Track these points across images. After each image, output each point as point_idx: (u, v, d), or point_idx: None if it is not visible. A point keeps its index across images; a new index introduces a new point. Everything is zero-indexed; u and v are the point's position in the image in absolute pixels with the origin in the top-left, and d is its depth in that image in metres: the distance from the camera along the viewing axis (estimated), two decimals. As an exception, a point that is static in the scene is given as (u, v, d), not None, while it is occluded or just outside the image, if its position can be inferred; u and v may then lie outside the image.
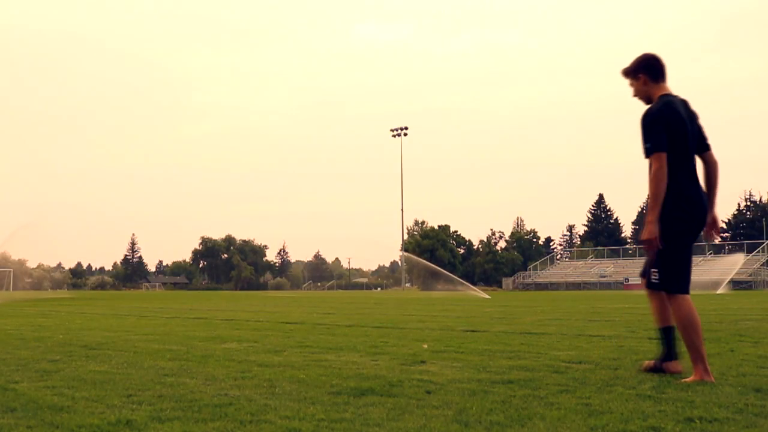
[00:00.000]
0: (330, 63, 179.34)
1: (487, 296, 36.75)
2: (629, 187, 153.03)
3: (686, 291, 5.05)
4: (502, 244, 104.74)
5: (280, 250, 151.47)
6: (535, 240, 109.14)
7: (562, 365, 5.99)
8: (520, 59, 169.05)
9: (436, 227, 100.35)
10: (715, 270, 62.54)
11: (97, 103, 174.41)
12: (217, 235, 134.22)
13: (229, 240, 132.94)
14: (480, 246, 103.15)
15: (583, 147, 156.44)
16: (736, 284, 53.86)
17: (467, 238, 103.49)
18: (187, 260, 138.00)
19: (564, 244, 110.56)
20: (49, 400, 4.41)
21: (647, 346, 7.58)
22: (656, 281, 5.11)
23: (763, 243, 67.61)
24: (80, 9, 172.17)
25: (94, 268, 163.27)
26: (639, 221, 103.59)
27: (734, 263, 60.30)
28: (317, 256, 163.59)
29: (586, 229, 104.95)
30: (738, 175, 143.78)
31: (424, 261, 69.71)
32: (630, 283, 67.18)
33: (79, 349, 7.61)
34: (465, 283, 52.50)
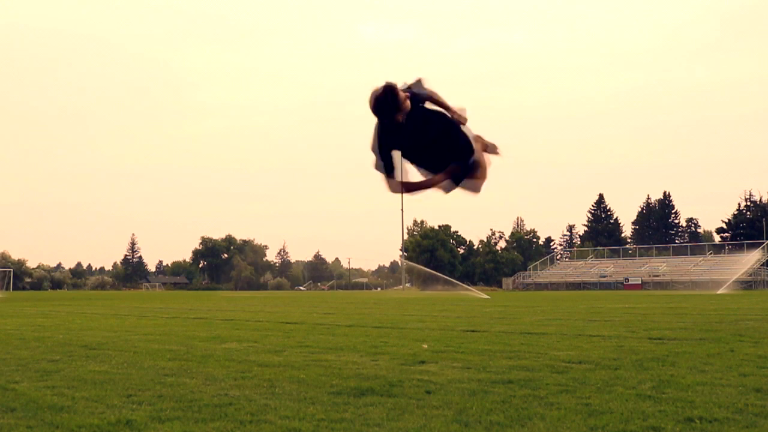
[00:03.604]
0: (331, 63, 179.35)
1: (487, 296, 36.72)
2: (629, 187, 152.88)
3: None
4: (502, 244, 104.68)
5: (280, 250, 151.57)
6: (535, 240, 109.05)
7: (562, 365, 5.99)
8: (521, 59, 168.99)
9: (436, 227, 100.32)
10: (717, 270, 62.53)
11: (97, 103, 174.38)
12: (217, 235, 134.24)
13: (229, 240, 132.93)
14: (480, 246, 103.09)
15: (583, 147, 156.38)
16: (736, 284, 53.72)
17: (467, 238, 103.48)
18: (187, 260, 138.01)
19: (564, 244, 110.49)
20: (49, 400, 4.41)
21: (647, 346, 7.59)
22: None
23: (763, 243, 67.53)
24: (80, 7, 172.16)
25: (94, 268, 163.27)
26: (639, 221, 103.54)
27: (745, 262, 60.11)
28: (317, 256, 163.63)
29: (586, 229, 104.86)
30: (738, 175, 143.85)
31: (423, 267, 69.77)
32: (630, 283, 67.18)
33: (79, 349, 7.62)
34: (464, 285, 52.53)
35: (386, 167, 4.97)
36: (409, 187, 5.04)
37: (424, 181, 5.05)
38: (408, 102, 4.76)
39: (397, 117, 4.73)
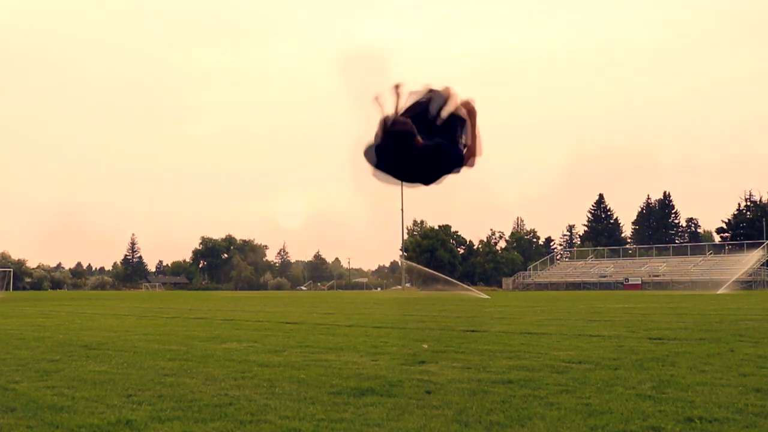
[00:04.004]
0: (331, 62, 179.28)
1: (486, 296, 36.71)
2: (629, 187, 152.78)
3: None
4: (502, 244, 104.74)
5: (280, 250, 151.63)
6: (535, 240, 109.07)
7: (562, 365, 5.99)
8: (521, 59, 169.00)
9: (436, 227, 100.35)
10: (717, 270, 62.53)
11: (97, 103, 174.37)
12: (217, 235, 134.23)
13: (229, 240, 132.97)
14: (480, 246, 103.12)
15: (583, 147, 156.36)
16: (736, 284, 53.71)
17: (467, 238, 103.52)
18: (187, 260, 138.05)
19: (564, 244, 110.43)
20: (49, 400, 4.41)
21: (647, 346, 7.59)
22: None
23: (763, 243, 67.49)
24: (79, 6, 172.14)
25: (94, 268, 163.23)
26: (639, 221, 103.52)
27: (745, 262, 60.07)
28: (317, 256, 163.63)
29: (586, 229, 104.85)
30: (738, 175, 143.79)
31: (424, 267, 69.79)
32: (630, 283, 67.16)
33: (79, 349, 7.62)
34: (464, 285, 52.56)
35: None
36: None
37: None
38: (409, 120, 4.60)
39: (418, 140, 4.56)
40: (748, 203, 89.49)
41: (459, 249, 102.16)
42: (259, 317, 15.02)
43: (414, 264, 75.83)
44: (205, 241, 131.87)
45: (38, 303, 27.79)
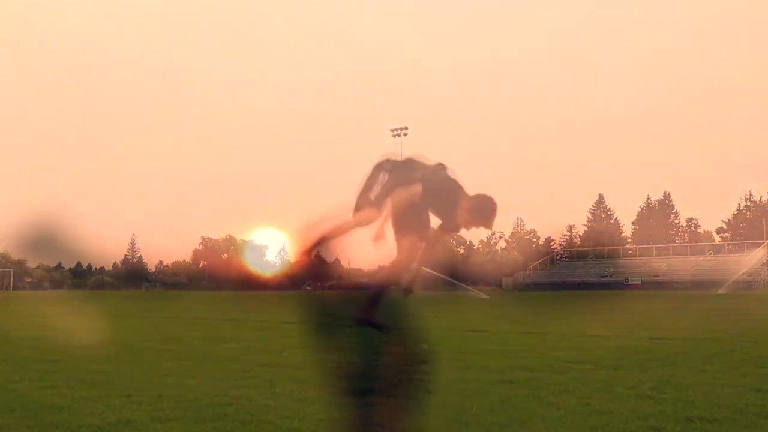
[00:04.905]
0: (330, 62, 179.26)
1: (486, 296, 36.70)
2: (629, 187, 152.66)
3: None
4: (502, 244, 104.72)
5: (280, 250, 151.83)
6: (535, 240, 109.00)
7: (562, 365, 5.99)
8: (521, 59, 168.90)
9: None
10: (717, 270, 62.52)
11: (97, 102, 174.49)
12: (217, 235, 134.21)
13: (229, 240, 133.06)
14: (480, 246, 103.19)
15: (583, 147, 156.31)
16: (736, 284, 53.65)
17: (467, 239, 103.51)
18: (187, 260, 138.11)
19: (564, 244, 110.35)
20: (49, 400, 4.41)
21: (647, 346, 7.58)
22: None
23: (763, 243, 67.43)
24: (79, 5, 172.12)
25: (94, 268, 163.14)
26: (639, 221, 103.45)
27: (745, 262, 60.09)
28: (317, 257, 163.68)
29: (586, 229, 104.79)
30: (738, 175, 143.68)
31: (423, 267, 69.84)
32: (630, 283, 67.11)
33: (79, 349, 7.61)
34: (464, 285, 52.60)
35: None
36: None
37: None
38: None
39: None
40: (748, 203, 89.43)
41: (459, 249, 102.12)
42: (259, 317, 15.01)
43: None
44: (205, 241, 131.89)
45: (38, 303, 27.78)
